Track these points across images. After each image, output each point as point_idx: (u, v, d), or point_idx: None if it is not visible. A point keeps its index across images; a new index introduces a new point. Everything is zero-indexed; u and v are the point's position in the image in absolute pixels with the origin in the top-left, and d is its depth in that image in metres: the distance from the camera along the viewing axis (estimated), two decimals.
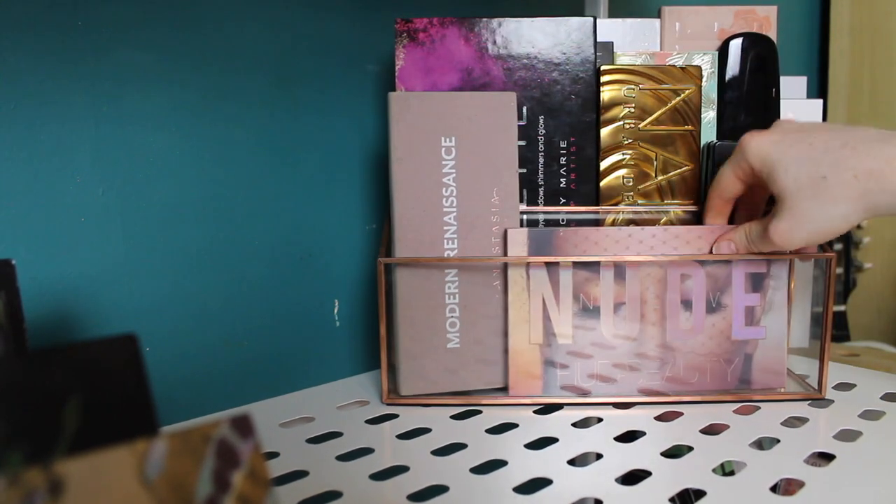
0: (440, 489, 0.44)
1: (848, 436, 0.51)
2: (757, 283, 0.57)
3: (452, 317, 0.57)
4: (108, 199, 0.53)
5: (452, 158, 0.55)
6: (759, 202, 0.57)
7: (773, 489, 0.43)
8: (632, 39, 0.63)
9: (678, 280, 0.56)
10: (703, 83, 0.61)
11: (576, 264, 0.56)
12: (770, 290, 0.57)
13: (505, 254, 0.56)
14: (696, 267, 0.56)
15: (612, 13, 0.76)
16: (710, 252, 0.56)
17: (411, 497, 0.43)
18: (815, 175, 0.49)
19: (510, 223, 0.56)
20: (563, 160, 0.60)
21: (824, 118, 0.69)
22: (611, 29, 0.63)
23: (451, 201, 0.55)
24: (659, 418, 0.54)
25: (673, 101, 0.60)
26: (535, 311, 0.56)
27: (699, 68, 0.60)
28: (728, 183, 0.54)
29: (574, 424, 0.53)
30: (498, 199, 0.56)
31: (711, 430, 0.52)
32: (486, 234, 0.56)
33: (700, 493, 0.43)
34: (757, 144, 0.51)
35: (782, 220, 0.51)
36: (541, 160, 0.60)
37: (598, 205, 0.61)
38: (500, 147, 0.56)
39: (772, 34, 0.63)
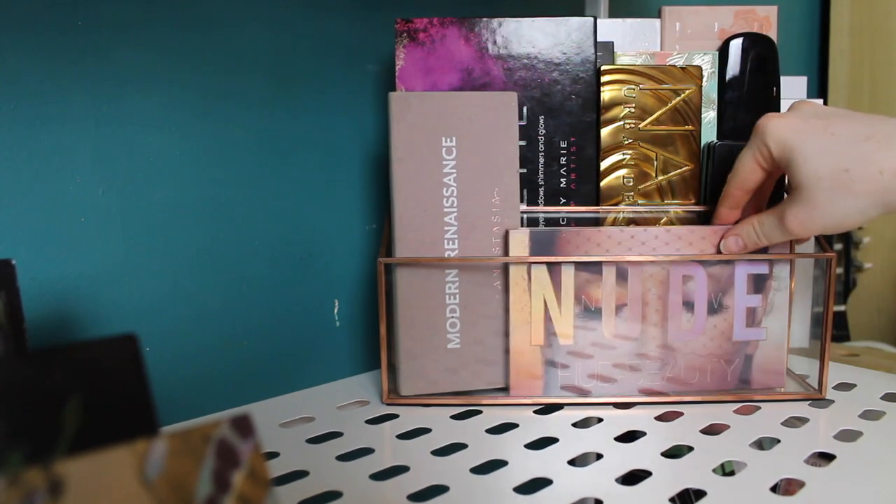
0: (440, 489, 0.44)
1: (848, 436, 0.51)
2: (759, 284, 0.57)
3: (453, 317, 0.57)
4: (108, 199, 0.53)
5: (453, 158, 0.55)
6: (766, 193, 0.57)
7: (774, 489, 0.43)
8: (632, 39, 0.63)
9: (680, 281, 0.56)
10: (704, 83, 0.61)
11: (577, 265, 0.56)
12: (771, 292, 0.57)
13: (506, 254, 0.56)
14: (698, 268, 0.56)
15: (613, 13, 0.76)
16: (718, 250, 0.55)
17: (411, 497, 0.43)
18: (838, 167, 0.48)
19: (511, 223, 0.56)
20: (563, 160, 0.60)
21: None
22: (611, 29, 0.63)
23: (451, 201, 0.55)
24: (659, 418, 0.54)
25: (673, 101, 0.60)
26: (537, 312, 0.56)
27: (699, 68, 0.60)
28: (748, 171, 0.53)
29: (574, 424, 0.53)
30: (499, 199, 0.56)
31: (711, 430, 0.52)
32: (486, 235, 0.56)
33: (700, 493, 0.43)
34: (776, 128, 0.50)
35: (800, 208, 0.50)
36: (541, 160, 0.60)
37: (598, 205, 0.61)
38: (501, 147, 0.55)
39: (772, 34, 0.63)
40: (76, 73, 0.51)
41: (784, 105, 0.63)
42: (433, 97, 0.55)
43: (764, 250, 0.55)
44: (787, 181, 0.56)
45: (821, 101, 0.65)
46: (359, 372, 0.68)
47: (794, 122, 0.50)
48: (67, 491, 0.21)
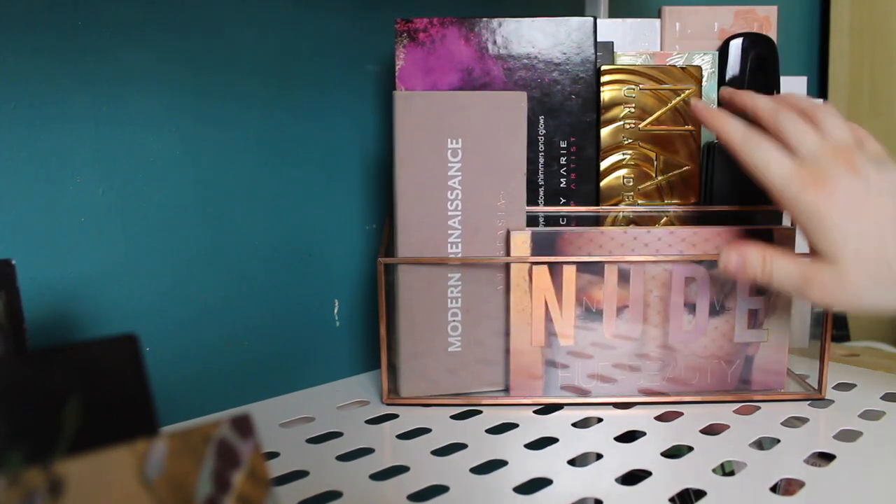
0: (440, 489, 0.44)
1: (848, 436, 0.51)
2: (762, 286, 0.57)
3: (454, 320, 0.56)
4: (108, 199, 0.53)
5: (458, 161, 0.54)
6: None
7: (773, 489, 0.43)
8: (632, 39, 0.63)
9: (682, 283, 0.56)
10: (704, 83, 0.61)
11: (579, 267, 0.56)
12: (774, 294, 0.57)
13: (507, 255, 0.56)
14: (700, 269, 0.56)
15: (612, 13, 0.76)
16: (718, 257, 0.52)
17: (411, 497, 0.43)
18: (881, 260, 0.45)
19: (516, 227, 0.56)
20: (563, 160, 0.60)
21: None
22: (611, 29, 0.63)
23: (455, 205, 0.55)
24: (659, 418, 0.54)
25: (673, 101, 0.60)
26: (538, 313, 0.56)
27: (699, 68, 0.60)
28: (756, 169, 0.48)
29: (574, 424, 0.53)
30: (504, 202, 0.55)
31: (711, 430, 0.52)
32: (490, 238, 0.56)
33: (700, 493, 0.43)
34: (812, 203, 0.46)
35: (831, 282, 0.46)
36: (541, 160, 0.60)
37: (598, 205, 0.61)
38: (509, 149, 0.55)
39: (772, 34, 0.63)
40: (76, 73, 0.51)
41: None
42: (438, 97, 0.55)
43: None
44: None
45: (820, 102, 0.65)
46: (359, 372, 0.68)
47: (835, 198, 0.46)
48: (67, 491, 0.21)
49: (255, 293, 0.62)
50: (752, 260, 0.49)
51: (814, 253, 0.47)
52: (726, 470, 0.46)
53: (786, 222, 0.59)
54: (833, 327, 0.58)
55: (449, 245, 0.55)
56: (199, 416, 0.56)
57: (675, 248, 0.56)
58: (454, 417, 0.55)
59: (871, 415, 0.54)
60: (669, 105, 0.60)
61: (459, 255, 0.56)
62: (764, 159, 0.48)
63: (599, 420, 0.54)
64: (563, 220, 0.60)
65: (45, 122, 0.50)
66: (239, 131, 0.60)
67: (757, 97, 0.52)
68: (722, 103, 0.56)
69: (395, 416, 0.55)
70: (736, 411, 0.55)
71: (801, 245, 0.54)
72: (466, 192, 0.55)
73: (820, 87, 1.20)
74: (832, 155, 0.47)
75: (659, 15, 0.64)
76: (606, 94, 0.60)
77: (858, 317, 1.13)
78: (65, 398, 0.25)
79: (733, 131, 0.50)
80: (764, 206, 0.58)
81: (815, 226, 0.46)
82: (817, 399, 0.57)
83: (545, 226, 0.60)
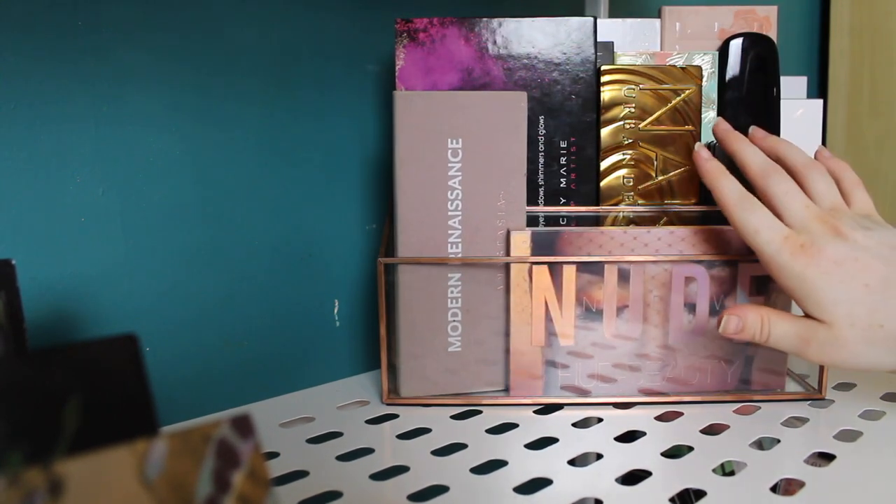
0: (440, 489, 0.44)
1: (848, 436, 0.51)
2: (762, 285, 0.57)
3: (454, 321, 0.56)
4: (108, 199, 0.53)
5: (459, 161, 0.54)
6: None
7: (773, 489, 0.43)
8: (632, 39, 0.63)
9: (682, 283, 0.56)
10: (704, 83, 0.61)
11: (579, 267, 0.56)
12: (774, 293, 0.57)
13: (507, 255, 0.56)
14: (700, 269, 0.56)
15: (612, 13, 0.76)
16: (718, 327, 0.51)
17: (411, 497, 0.43)
18: (874, 322, 0.45)
19: (516, 227, 0.56)
20: (563, 160, 0.60)
21: (824, 118, 0.68)
22: (611, 29, 0.63)
23: (456, 205, 0.55)
24: (659, 418, 0.54)
25: (673, 101, 0.60)
26: (538, 313, 0.56)
27: (699, 68, 0.60)
28: (747, 229, 0.49)
29: (574, 424, 0.53)
30: (505, 202, 0.55)
31: (711, 430, 0.52)
32: (490, 239, 0.56)
33: (700, 493, 0.43)
34: (800, 271, 0.47)
35: (826, 340, 0.46)
36: (541, 160, 0.60)
37: (598, 205, 0.61)
38: (509, 149, 0.55)
39: (772, 34, 0.63)
40: (76, 73, 0.51)
41: (784, 105, 0.63)
42: (439, 97, 0.55)
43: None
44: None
45: (820, 102, 0.65)
46: (359, 372, 0.68)
47: (822, 267, 0.46)
48: (67, 491, 0.21)
49: (255, 293, 0.62)
50: (751, 323, 0.49)
51: (809, 315, 0.48)
52: (726, 470, 0.46)
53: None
54: None
55: (449, 245, 0.55)
56: (199, 416, 0.56)
57: (675, 248, 0.56)
58: (454, 417, 0.55)
59: (871, 415, 0.54)
60: (669, 105, 0.60)
61: (459, 255, 0.56)
62: (754, 225, 0.49)
63: (599, 420, 0.54)
64: (563, 220, 0.60)
65: (45, 122, 0.50)
66: (239, 131, 0.60)
67: (747, 151, 0.52)
68: (714, 137, 0.56)
69: (395, 416, 0.55)
70: (736, 411, 0.55)
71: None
72: (466, 192, 0.55)
73: (820, 87, 1.20)
74: (818, 221, 0.48)
75: (659, 15, 0.64)
76: (606, 94, 0.60)
77: None
78: (65, 398, 0.25)
79: (729, 193, 0.51)
80: None
81: (805, 293, 0.47)
82: (817, 399, 0.57)
83: (545, 226, 0.60)
